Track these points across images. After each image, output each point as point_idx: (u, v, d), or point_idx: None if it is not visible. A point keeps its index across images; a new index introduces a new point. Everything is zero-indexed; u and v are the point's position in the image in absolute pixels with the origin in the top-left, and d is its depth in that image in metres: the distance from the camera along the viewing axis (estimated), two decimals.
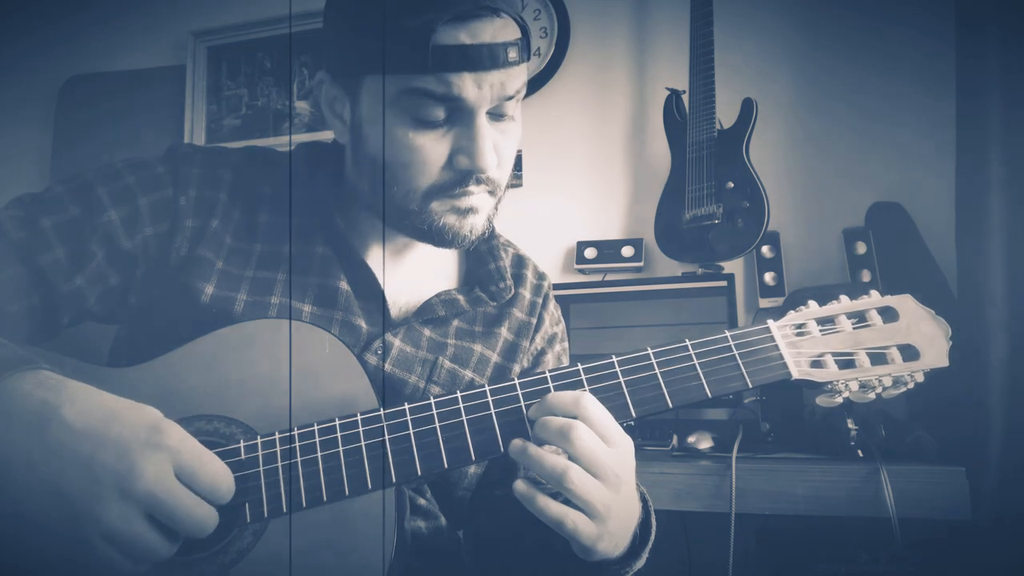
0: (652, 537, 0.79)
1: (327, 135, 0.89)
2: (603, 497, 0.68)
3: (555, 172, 2.10)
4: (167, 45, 2.43)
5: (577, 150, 2.09)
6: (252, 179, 0.90)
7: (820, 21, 1.91)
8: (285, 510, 0.68)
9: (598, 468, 0.68)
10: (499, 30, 0.76)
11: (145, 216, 0.83)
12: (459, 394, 0.72)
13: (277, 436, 0.70)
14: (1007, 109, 1.33)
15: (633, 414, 0.73)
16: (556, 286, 1.55)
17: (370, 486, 0.69)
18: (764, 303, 1.81)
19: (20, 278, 0.78)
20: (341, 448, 0.69)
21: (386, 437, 0.70)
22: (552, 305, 1.05)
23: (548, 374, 0.73)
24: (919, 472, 1.26)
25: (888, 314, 0.78)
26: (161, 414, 0.64)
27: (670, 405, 0.73)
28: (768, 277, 1.82)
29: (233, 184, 0.88)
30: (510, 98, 0.80)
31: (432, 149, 0.79)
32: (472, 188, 0.82)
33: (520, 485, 0.69)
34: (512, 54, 0.77)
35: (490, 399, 0.72)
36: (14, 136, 2.49)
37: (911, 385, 0.77)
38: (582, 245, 1.98)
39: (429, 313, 0.91)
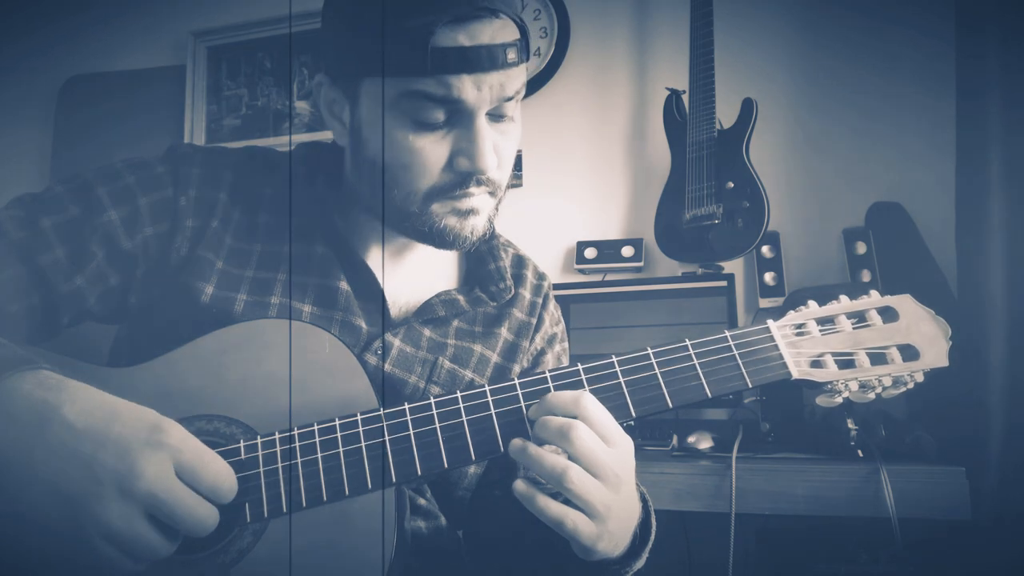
0: (652, 537, 0.79)
1: (327, 135, 0.89)
2: (603, 497, 0.68)
3: (555, 172, 2.10)
4: (167, 45, 2.43)
5: (577, 150, 2.09)
6: (252, 179, 0.90)
7: (820, 21, 1.91)
8: (285, 510, 0.68)
9: (598, 468, 0.68)
10: (498, 31, 0.76)
11: (145, 216, 0.83)
12: (459, 394, 0.72)
13: (277, 436, 0.70)
14: (1007, 109, 1.33)
15: (633, 414, 0.73)
16: (556, 286, 1.55)
17: (370, 486, 0.69)
18: (764, 303, 1.81)
19: (20, 278, 0.78)
20: (341, 448, 0.70)
21: (386, 437, 0.70)
22: (552, 305, 1.05)
23: (548, 374, 0.73)
24: (919, 472, 1.26)
25: (888, 314, 0.78)
26: (160, 415, 0.64)
27: (670, 405, 0.73)
28: (768, 277, 1.82)
29: (233, 184, 0.88)
30: (510, 99, 0.80)
31: (432, 151, 0.79)
32: (473, 189, 0.82)
33: (520, 485, 0.69)
34: (511, 55, 0.77)
35: (490, 399, 0.72)
36: (14, 136, 2.49)
37: (911, 385, 0.77)
38: (582, 245, 1.98)
39: (429, 313, 0.91)
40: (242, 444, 0.69)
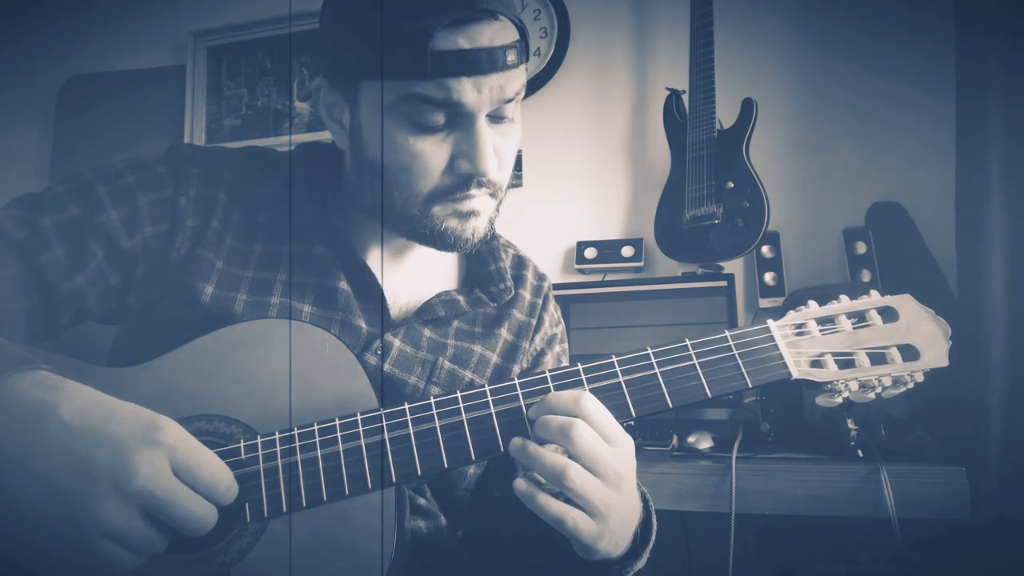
0: (653, 537, 0.79)
1: (327, 135, 0.89)
2: (603, 495, 0.68)
3: (555, 172, 2.10)
4: (167, 45, 2.43)
5: (577, 150, 2.09)
6: (252, 179, 0.90)
7: (820, 21, 1.91)
8: (285, 510, 0.68)
9: (598, 466, 0.68)
10: (497, 33, 0.76)
11: (145, 216, 0.83)
12: (459, 394, 0.72)
13: (277, 436, 0.70)
14: (1007, 109, 1.33)
15: (633, 414, 0.73)
16: (556, 286, 1.55)
17: (370, 486, 0.69)
18: (764, 303, 1.81)
19: (20, 277, 0.78)
20: (341, 448, 0.70)
21: (386, 437, 0.70)
22: (552, 306, 1.05)
23: (548, 374, 0.73)
24: (919, 472, 1.26)
25: (888, 314, 0.78)
26: (158, 414, 0.64)
27: (670, 405, 0.73)
28: (768, 277, 1.82)
29: (233, 184, 0.88)
30: (509, 101, 0.80)
31: (433, 154, 0.79)
32: (474, 191, 0.82)
33: (520, 484, 0.69)
34: (511, 57, 0.77)
35: (490, 399, 0.72)
36: (14, 136, 2.49)
37: (911, 385, 0.77)
38: (582, 245, 1.98)
39: (429, 313, 0.91)
40: (242, 444, 0.69)
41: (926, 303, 0.79)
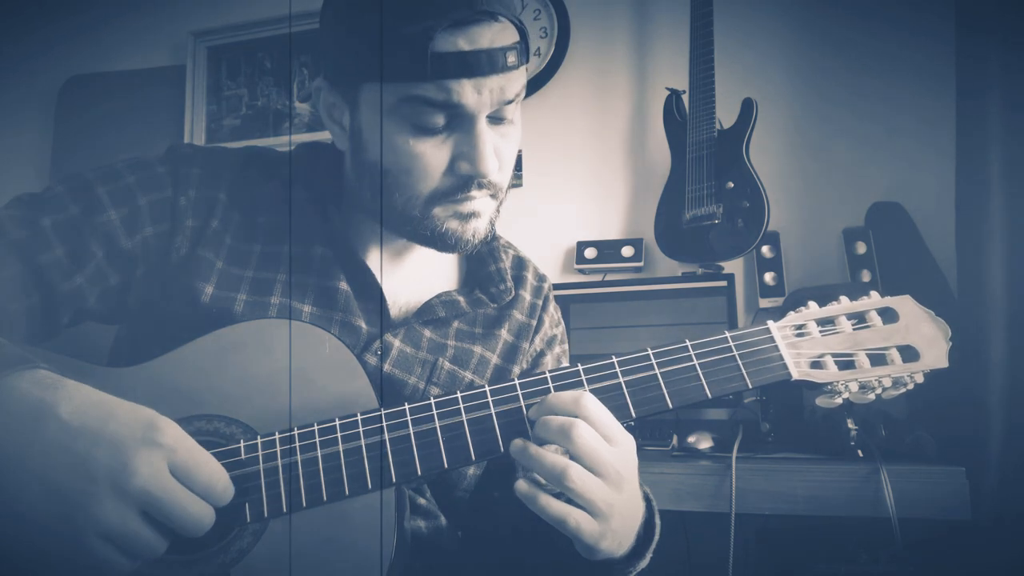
0: (656, 536, 0.79)
1: (327, 135, 0.89)
2: (605, 495, 0.68)
3: (555, 172, 2.10)
4: (167, 45, 2.43)
5: (577, 150, 2.09)
6: (252, 179, 0.90)
7: (820, 21, 1.91)
8: (285, 510, 0.68)
9: (599, 466, 0.68)
10: (497, 35, 0.76)
11: (145, 216, 0.83)
12: (459, 394, 0.72)
13: (277, 436, 0.70)
14: (1007, 110, 1.33)
15: (633, 414, 0.73)
16: (556, 286, 1.54)
17: (370, 486, 0.69)
18: (764, 303, 1.81)
19: (20, 277, 0.78)
20: (341, 448, 0.70)
21: (386, 436, 0.70)
22: (552, 307, 1.05)
23: (548, 374, 0.73)
24: (919, 472, 1.26)
25: (888, 315, 0.78)
26: (157, 413, 0.64)
27: (670, 405, 0.73)
28: (768, 277, 1.82)
29: (233, 184, 0.88)
30: (510, 102, 0.80)
31: (433, 155, 0.79)
32: (474, 193, 0.82)
33: (522, 485, 0.69)
34: (511, 58, 0.77)
35: (490, 399, 0.72)
36: (14, 136, 2.49)
37: (911, 386, 0.77)
38: (582, 245, 1.98)
39: (429, 314, 0.91)
40: (242, 444, 0.69)
41: (926, 303, 0.79)
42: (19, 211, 0.81)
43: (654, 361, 0.74)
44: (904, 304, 0.78)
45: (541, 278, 1.06)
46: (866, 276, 1.66)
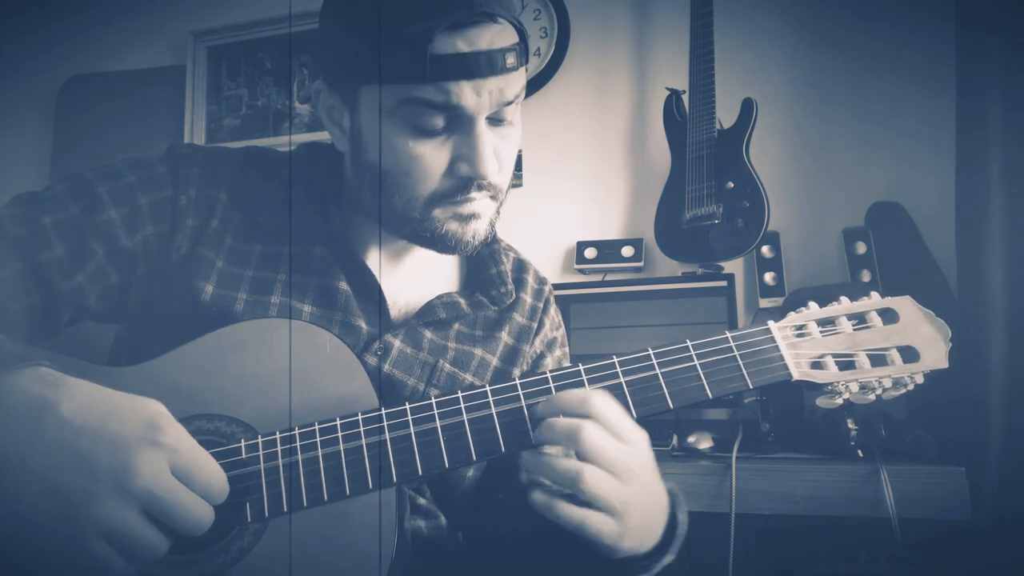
0: (679, 531, 0.77)
1: (327, 135, 0.89)
2: (620, 494, 0.67)
3: (555, 172, 2.10)
4: (167, 45, 2.43)
5: (577, 150, 2.09)
6: (252, 179, 0.90)
7: (820, 21, 1.91)
8: (286, 509, 0.68)
9: (612, 466, 0.67)
10: (496, 36, 0.76)
11: (145, 215, 0.83)
12: (460, 394, 0.72)
13: (278, 435, 0.70)
14: (1007, 109, 1.33)
15: (634, 414, 0.73)
16: (556, 286, 1.54)
17: (371, 485, 0.69)
18: (764, 303, 1.81)
19: (20, 276, 0.78)
20: (342, 447, 0.70)
21: (387, 436, 0.70)
22: (553, 310, 1.05)
23: (549, 374, 0.73)
24: (919, 472, 1.26)
25: (888, 315, 0.78)
26: (160, 409, 0.64)
27: (671, 405, 0.73)
28: (768, 277, 1.82)
29: (233, 184, 0.88)
30: (509, 103, 0.80)
31: (433, 157, 0.79)
32: (474, 194, 0.82)
33: (538, 497, 0.69)
34: (510, 60, 0.77)
35: (491, 399, 0.72)
36: (14, 136, 2.49)
37: (911, 386, 0.77)
38: (582, 245, 1.98)
39: (430, 315, 0.91)
40: (243, 444, 0.69)
41: (926, 303, 0.79)
42: (19, 210, 0.81)
43: (655, 361, 0.74)
44: (904, 305, 0.78)
45: (542, 281, 1.06)
46: (866, 276, 1.66)
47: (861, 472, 1.27)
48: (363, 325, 0.87)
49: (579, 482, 0.66)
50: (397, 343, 0.88)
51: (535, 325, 1.00)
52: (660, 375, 0.73)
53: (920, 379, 0.76)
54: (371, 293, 0.88)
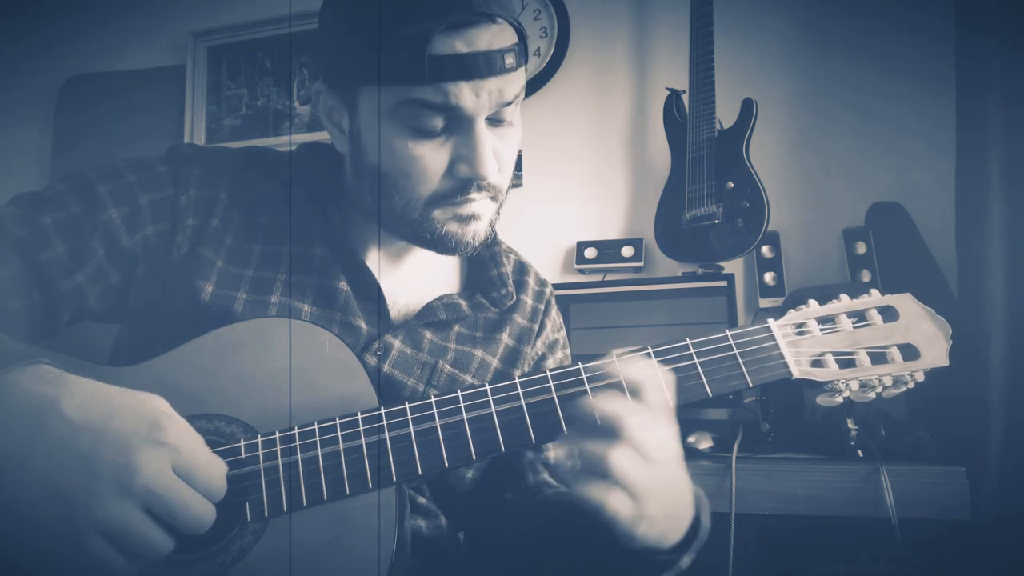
0: (700, 535, 0.76)
1: (327, 135, 0.89)
2: (643, 476, 0.65)
3: (555, 172, 2.10)
4: (167, 45, 2.43)
5: (577, 150, 2.09)
6: (252, 179, 0.90)
7: (820, 21, 1.91)
8: (286, 509, 0.68)
9: (640, 446, 0.65)
10: (495, 36, 0.76)
11: (146, 215, 0.83)
12: (460, 393, 0.72)
13: (278, 435, 0.70)
14: (1007, 109, 1.33)
15: None
16: (556, 286, 1.54)
17: (371, 485, 0.69)
18: (764, 303, 1.81)
19: (21, 275, 0.78)
20: (342, 447, 0.69)
21: (387, 435, 0.70)
22: (554, 312, 1.05)
23: (549, 373, 0.73)
24: (919, 472, 1.26)
25: (888, 313, 0.78)
26: (161, 406, 0.64)
27: (671, 404, 0.73)
28: (768, 277, 1.82)
29: (233, 184, 0.88)
30: (508, 104, 0.80)
31: (432, 158, 0.79)
32: (474, 195, 0.82)
33: (564, 466, 0.68)
34: (509, 60, 0.77)
35: (491, 398, 0.72)
36: (14, 136, 2.49)
37: (911, 384, 0.77)
38: (582, 245, 1.98)
39: (431, 316, 0.91)
40: (242, 443, 0.69)
41: (926, 303, 0.79)
42: (20, 209, 0.81)
43: (654, 360, 0.74)
44: (904, 302, 0.78)
45: (543, 283, 1.06)
46: (866, 276, 1.66)
47: (861, 472, 1.27)
48: (363, 325, 0.87)
49: (606, 458, 0.64)
50: (397, 343, 0.88)
51: (536, 327, 1.00)
52: None
53: (920, 377, 0.76)
54: (371, 293, 0.88)
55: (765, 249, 1.81)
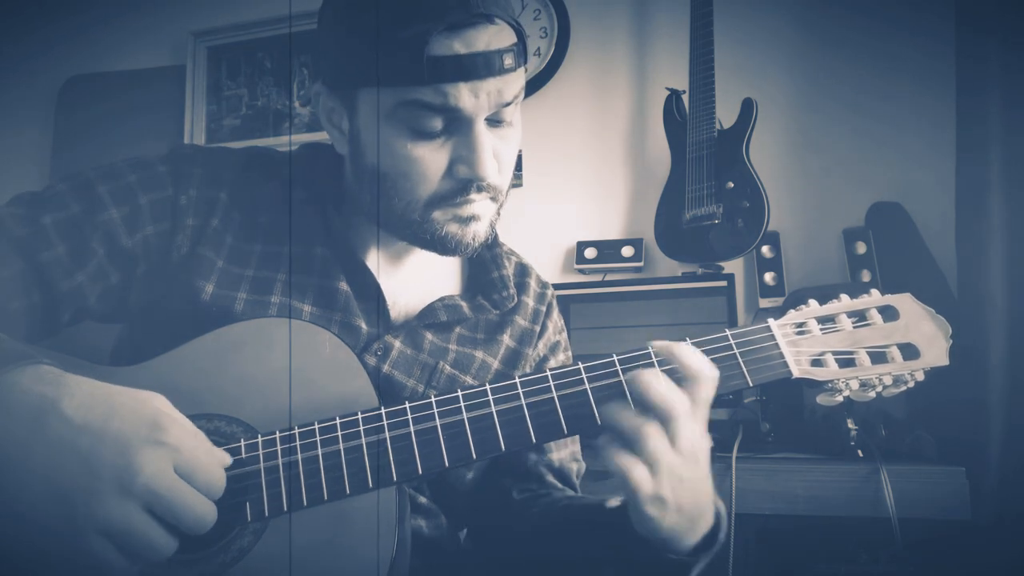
0: (716, 547, 0.76)
1: (327, 136, 0.89)
2: (671, 458, 0.67)
3: (555, 172, 2.10)
4: (167, 45, 2.43)
5: (577, 150, 2.09)
6: (253, 179, 0.90)
7: (820, 21, 1.91)
8: (286, 509, 0.68)
9: (680, 436, 0.67)
10: (493, 37, 0.76)
11: (146, 215, 0.83)
12: (460, 392, 0.72)
13: (278, 435, 0.70)
14: (1007, 109, 1.33)
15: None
16: (556, 286, 1.54)
17: (371, 484, 0.69)
18: (764, 303, 1.81)
19: (21, 275, 0.78)
20: (342, 446, 0.69)
21: (387, 435, 0.70)
22: (556, 314, 1.05)
23: (549, 372, 0.73)
24: (919, 472, 1.26)
25: (888, 313, 0.78)
26: (161, 405, 0.63)
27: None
28: (768, 277, 1.82)
29: (234, 184, 0.88)
30: (508, 104, 0.80)
31: (432, 159, 0.79)
32: (473, 196, 0.81)
33: (603, 439, 0.69)
34: (508, 61, 0.77)
35: (491, 398, 0.72)
36: (14, 136, 2.49)
37: (911, 384, 0.77)
38: (582, 245, 1.98)
39: (431, 317, 0.91)
40: (243, 443, 0.69)
41: (926, 303, 0.79)
42: (20, 209, 0.81)
43: (655, 360, 0.74)
44: (904, 302, 0.78)
45: (544, 285, 1.06)
46: (866, 276, 1.67)
47: (861, 472, 1.27)
48: (363, 325, 0.87)
49: (646, 436, 0.66)
50: (397, 344, 0.88)
51: (538, 328, 1.00)
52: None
53: (921, 376, 0.76)
54: (371, 294, 0.88)
55: (765, 249, 1.81)
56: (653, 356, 0.72)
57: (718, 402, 0.72)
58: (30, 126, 2.48)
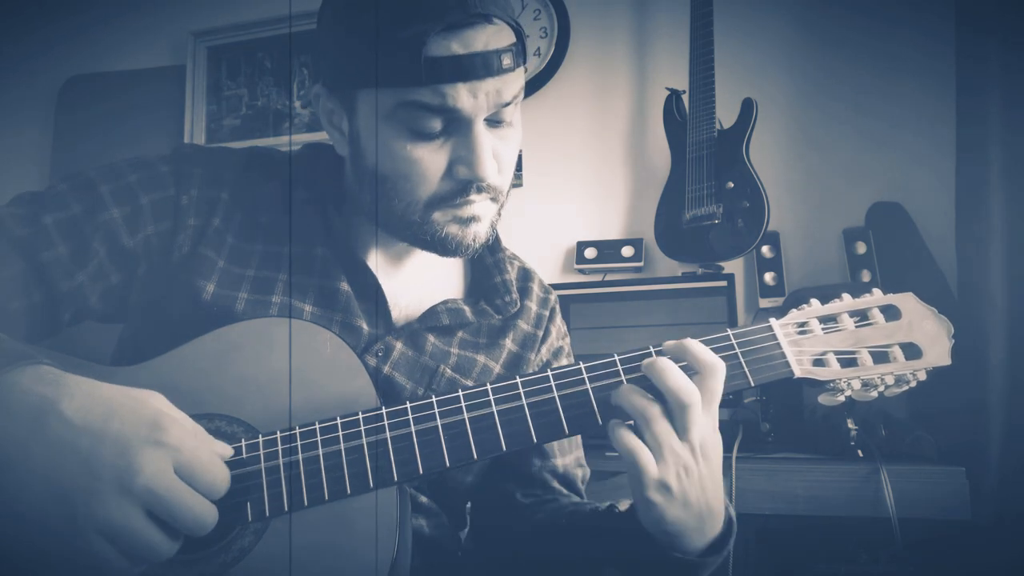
0: (724, 553, 0.76)
1: (327, 136, 0.89)
2: (679, 448, 0.68)
3: (555, 172, 2.10)
4: (167, 45, 2.43)
5: (577, 150, 2.09)
6: (254, 179, 0.90)
7: (820, 21, 1.91)
8: (287, 508, 0.68)
9: (692, 428, 0.69)
10: (492, 37, 0.75)
11: (147, 215, 0.83)
12: (461, 392, 0.72)
13: (279, 435, 0.70)
14: (1007, 109, 1.33)
15: None
16: (556, 286, 1.54)
17: (372, 484, 0.69)
18: (764, 303, 1.81)
19: (22, 275, 0.78)
20: (343, 446, 0.69)
21: (388, 435, 0.70)
22: (559, 319, 1.04)
23: (550, 372, 0.73)
24: (919, 472, 1.26)
25: (890, 312, 0.78)
26: (161, 406, 0.63)
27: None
28: (768, 277, 1.82)
29: (235, 184, 0.88)
30: (507, 104, 0.79)
31: (431, 160, 0.79)
32: (473, 197, 0.81)
33: (613, 422, 0.71)
34: (506, 61, 0.76)
35: (492, 398, 0.72)
36: (14, 136, 2.49)
37: (913, 383, 0.76)
38: (582, 245, 1.98)
39: (433, 320, 0.91)
40: (243, 443, 0.69)
41: (926, 303, 0.79)
42: (21, 209, 0.80)
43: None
44: (906, 301, 0.78)
45: (547, 290, 1.05)
46: (866, 276, 1.67)
47: (861, 472, 1.27)
48: (364, 326, 0.87)
49: (658, 425, 0.68)
50: (399, 346, 0.88)
51: (541, 333, 1.00)
52: None
53: (923, 376, 0.76)
54: (372, 294, 0.88)
55: (765, 249, 1.81)
56: (664, 354, 0.73)
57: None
58: (30, 126, 2.48)
